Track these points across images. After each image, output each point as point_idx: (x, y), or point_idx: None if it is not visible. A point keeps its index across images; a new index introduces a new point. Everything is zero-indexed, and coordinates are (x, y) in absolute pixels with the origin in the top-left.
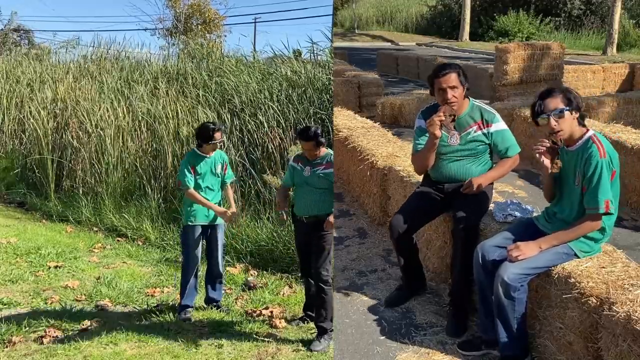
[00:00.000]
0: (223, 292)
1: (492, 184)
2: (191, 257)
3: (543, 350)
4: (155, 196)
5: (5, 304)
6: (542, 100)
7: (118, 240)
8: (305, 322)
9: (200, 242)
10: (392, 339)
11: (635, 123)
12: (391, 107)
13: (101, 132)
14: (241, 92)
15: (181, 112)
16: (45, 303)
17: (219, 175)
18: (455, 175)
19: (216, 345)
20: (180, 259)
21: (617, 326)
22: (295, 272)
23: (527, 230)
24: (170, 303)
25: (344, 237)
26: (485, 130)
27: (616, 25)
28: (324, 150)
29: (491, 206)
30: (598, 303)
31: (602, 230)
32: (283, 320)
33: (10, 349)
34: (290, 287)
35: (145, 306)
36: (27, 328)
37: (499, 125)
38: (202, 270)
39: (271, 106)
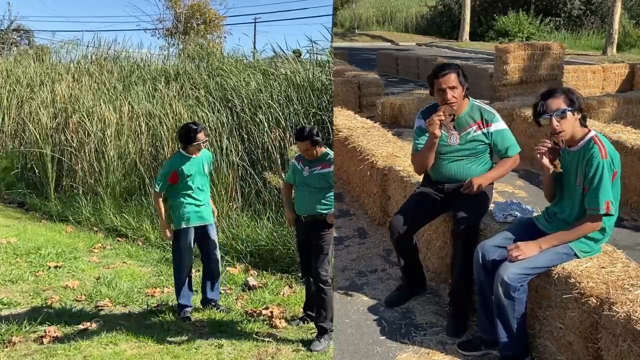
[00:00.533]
0: (223, 292)
1: (492, 184)
2: (184, 260)
3: (543, 350)
4: None
5: (5, 304)
6: (545, 101)
7: (118, 240)
8: (305, 322)
9: (193, 244)
10: (392, 339)
11: (635, 123)
12: (391, 107)
13: (101, 133)
14: (241, 92)
15: (181, 112)
16: (45, 303)
17: (208, 174)
18: (455, 175)
19: (216, 345)
20: None
21: (617, 326)
22: (295, 272)
23: (527, 230)
24: (170, 303)
25: (344, 237)
26: (485, 130)
27: (616, 25)
28: (321, 150)
29: (491, 206)
30: (598, 303)
31: (603, 230)
32: (283, 320)
33: (10, 349)
34: (290, 287)
35: (145, 306)
36: (27, 328)
37: (499, 125)
38: (197, 270)
39: (272, 105)
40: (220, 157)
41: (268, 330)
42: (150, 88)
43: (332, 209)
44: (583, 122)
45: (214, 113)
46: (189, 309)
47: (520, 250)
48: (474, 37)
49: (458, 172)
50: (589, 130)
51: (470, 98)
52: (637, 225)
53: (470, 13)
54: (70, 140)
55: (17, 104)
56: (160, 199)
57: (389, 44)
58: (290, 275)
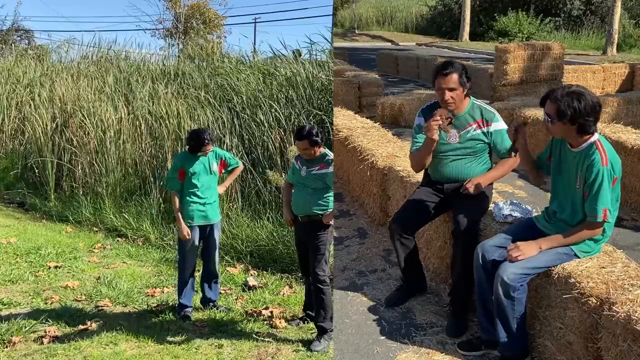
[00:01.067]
0: (223, 292)
1: (492, 184)
2: (188, 258)
3: (543, 350)
4: (155, 196)
5: (5, 304)
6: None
7: (118, 240)
8: (305, 322)
9: (197, 243)
10: (392, 339)
11: (635, 123)
12: (391, 107)
13: (101, 132)
14: (241, 92)
15: (181, 112)
16: (45, 303)
17: (216, 173)
18: (454, 175)
19: (216, 345)
20: None
21: (617, 326)
22: (295, 272)
23: (527, 230)
24: (170, 303)
25: (344, 237)
26: (484, 129)
27: (616, 25)
28: (320, 150)
29: (491, 206)
30: (598, 303)
31: (602, 230)
32: (283, 320)
33: (10, 349)
34: (290, 287)
35: (145, 306)
36: (27, 328)
37: (499, 124)
38: (198, 270)
39: (272, 105)
40: None
41: (268, 330)
42: (151, 88)
43: (329, 210)
44: (583, 129)
45: (214, 113)
46: (189, 309)
47: (520, 250)
48: (474, 37)
49: (457, 172)
50: (593, 134)
51: (472, 97)
52: (637, 225)
53: (470, 13)
54: (70, 141)
55: (17, 104)
56: (177, 198)
57: (389, 44)
58: (290, 275)
